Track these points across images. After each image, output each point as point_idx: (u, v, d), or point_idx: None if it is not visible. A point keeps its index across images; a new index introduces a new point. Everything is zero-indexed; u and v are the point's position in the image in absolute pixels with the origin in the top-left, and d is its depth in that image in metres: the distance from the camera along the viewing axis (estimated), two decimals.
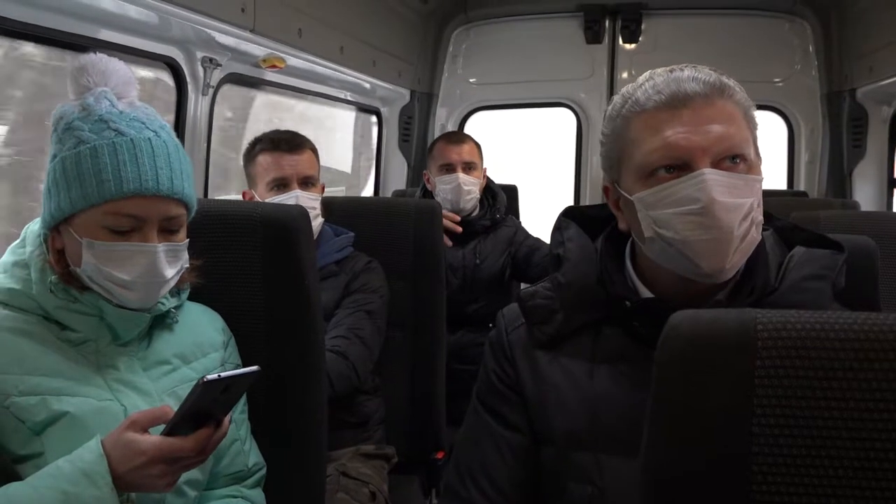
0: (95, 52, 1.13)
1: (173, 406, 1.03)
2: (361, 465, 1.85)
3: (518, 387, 1.06)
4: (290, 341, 1.38)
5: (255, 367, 1.00)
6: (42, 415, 1.02)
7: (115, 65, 1.13)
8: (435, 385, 2.11)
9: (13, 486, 0.96)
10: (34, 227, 1.15)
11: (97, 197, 1.05)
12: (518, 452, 1.05)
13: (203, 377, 0.94)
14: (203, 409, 1.00)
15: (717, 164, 0.93)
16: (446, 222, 2.47)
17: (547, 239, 1.18)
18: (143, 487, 1.00)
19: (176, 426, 0.99)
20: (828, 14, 3.37)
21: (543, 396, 1.03)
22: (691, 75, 0.96)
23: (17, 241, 1.15)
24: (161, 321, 1.19)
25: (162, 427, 1.00)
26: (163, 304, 1.17)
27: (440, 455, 2.12)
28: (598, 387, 1.00)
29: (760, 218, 0.95)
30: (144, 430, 0.99)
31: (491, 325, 1.29)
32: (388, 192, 3.76)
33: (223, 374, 0.96)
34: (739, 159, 0.94)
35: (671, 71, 0.98)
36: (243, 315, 1.36)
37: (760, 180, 0.96)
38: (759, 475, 0.59)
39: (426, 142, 3.63)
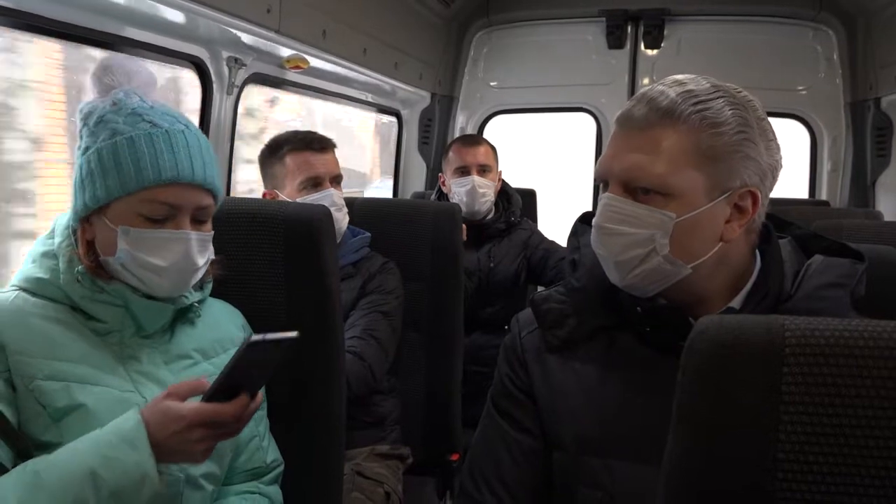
0: (119, 51, 1.15)
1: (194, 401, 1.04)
2: (377, 464, 1.86)
3: (530, 391, 1.06)
4: (310, 341, 1.38)
5: (293, 333, 1.00)
6: (62, 402, 1.04)
7: (138, 66, 1.15)
8: (451, 387, 2.11)
9: (54, 453, 0.98)
10: (63, 219, 1.17)
11: (135, 184, 1.08)
12: (530, 456, 1.06)
13: (249, 336, 0.96)
14: (241, 376, 1.01)
15: (629, 191, 0.97)
16: None
17: (565, 244, 1.19)
18: (180, 455, 1.02)
19: (216, 392, 1.01)
20: (853, 23, 3.34)
21: (555, 401, 1.04)
22: (653, 96, 0.97)
23: (47, 232, 1.17)
24: (184, 315, 1.21)
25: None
26: (186, 297, 1.19)
27: (455, 457, 2.12)
28: (609, 392, 1.01)
29: (667, 251, 0.95)
30: (182, 400, 1.02)
31: (506, 327, 1.29)
32: (406, 194, 3.77)
33: (267, 336, 0.97)
34: (654, 192, 0.94)
35: (654, 86, 0.99)
36: (264, 314, 1.37)
37: (672, 216, 0.94)
38: (785, 482, 0.58)
39: (446, 144, 3.64)
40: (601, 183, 1.02)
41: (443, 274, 2.10)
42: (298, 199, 1.86)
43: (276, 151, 1.93)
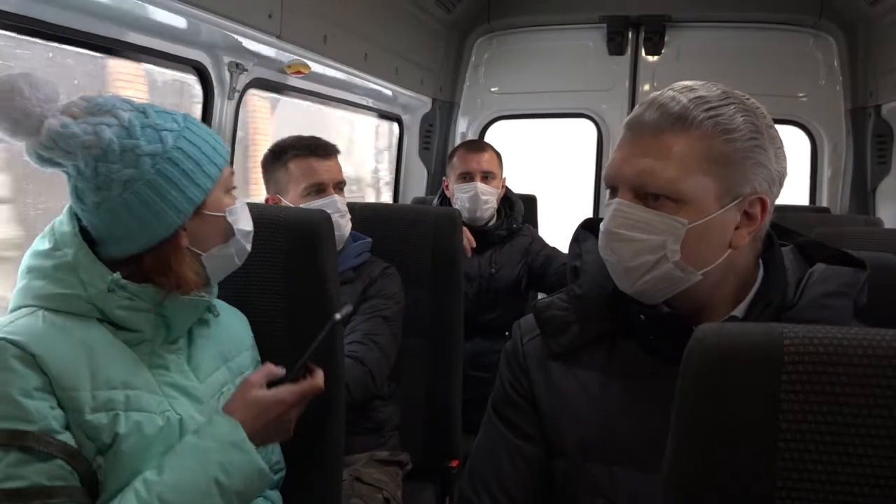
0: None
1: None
2: (376, 470, 1.85)
3: (532, 397, 1.06)
4: (310, 346, 1.38)
5: (349, 307, 1.31)
6: (109, 435, 1.00)
7: (37, 77, 1.04)
8: (451, 393, 2.11)
9: (157, 475, 1.02)
10: (64, 227, 1.07)
11: (222, 160, 1.14)
12: (532, 463, 1.05)
13: (334, 315, 1.19)
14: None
15: (639, 197, 0.96)
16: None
17: (565, 249, 1.19)
18: (272, 437, 1.19)
19: (299, 370, 1.18)
20: (854, 30, 3.34)
21: (557, 408, 1.04)
22: (664, 101, 0.96)
23: (47, 246, 1.07)
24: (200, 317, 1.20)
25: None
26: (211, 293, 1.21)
27: (454, 463, 2.11)
28: (612, 399, 1.00)
29: (678, 257, 0.94)
30: (262, 387, 1.14)
31: (507, 333, 1.28)
32: (407, 200, 3.78)
33: (343, 312, 1.25)
34: (665, 198, 0.94)
35: (664, 91, 0.98)
36: (265, 318, 1.37)
37: (684, 223, 0.93)
38: (784, 490, 0.58)
39: (446, 150, 3.64)
40: (609, 188, 1.01)
41: (443, 279, 2.10)
42: (302, 205, 1.86)
43: (279, 157, 1.92)
